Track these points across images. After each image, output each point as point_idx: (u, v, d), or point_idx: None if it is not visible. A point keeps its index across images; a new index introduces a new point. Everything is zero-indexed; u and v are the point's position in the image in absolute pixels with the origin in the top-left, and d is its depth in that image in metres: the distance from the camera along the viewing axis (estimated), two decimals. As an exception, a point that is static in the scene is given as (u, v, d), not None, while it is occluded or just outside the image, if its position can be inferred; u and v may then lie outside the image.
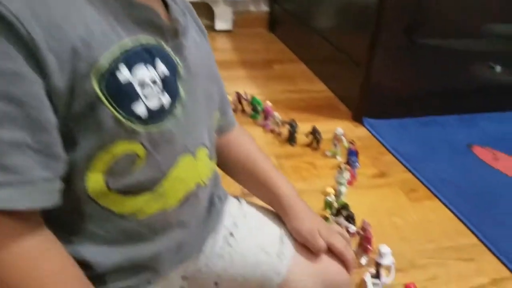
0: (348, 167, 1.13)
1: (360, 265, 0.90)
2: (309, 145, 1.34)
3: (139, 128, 0.46)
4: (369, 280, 0.82)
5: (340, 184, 1.04)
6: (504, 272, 0.93)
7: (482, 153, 1.38)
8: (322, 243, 0.67)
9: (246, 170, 0.71)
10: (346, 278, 0.69)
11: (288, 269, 0.65)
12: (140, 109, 0.46)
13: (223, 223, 0.67)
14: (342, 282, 0.68)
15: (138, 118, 0.45)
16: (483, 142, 1.44)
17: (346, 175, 1.07)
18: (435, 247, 0.98)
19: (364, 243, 0.89)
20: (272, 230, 0.69)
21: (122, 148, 0.46)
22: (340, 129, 1.27)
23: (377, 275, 0.83)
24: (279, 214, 0.71)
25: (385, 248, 0.82)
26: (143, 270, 0.55)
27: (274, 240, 0.68)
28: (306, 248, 0.68)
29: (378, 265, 0.82)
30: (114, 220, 0.50)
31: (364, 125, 1.51)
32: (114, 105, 0.44)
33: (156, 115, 0.47)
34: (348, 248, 0.70)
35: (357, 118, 1.55)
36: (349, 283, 0.70)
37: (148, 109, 0.46)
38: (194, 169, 0.56)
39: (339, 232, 0.73)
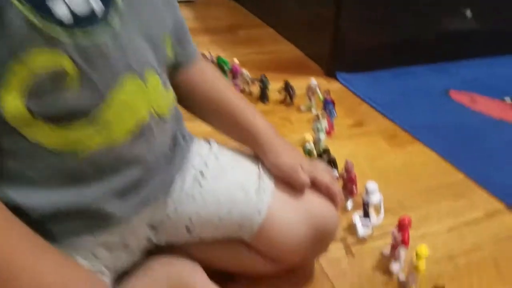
0: (325, 115, 1.06)
1: (346, 210, 0.84)
2: (282, 101, 1.26)
3: (61, 35, 0.37)
4: (358, 220, 0.75)
5: (318, 130, 0.97)
6: (497, 204, 0.88)
7: (459, 96, 1.34)
8: (305, 177, 0.60)
9: (215, 108, 0.63)
10: (333, 214, 0.62)
11: (269, 206, 0.58)
12: (60, 9, 0.36)
13: (191, 163, 0.59)
14: (330, 218, 0.62)
15: (59, 22, 0.36)
16: (459, 87, 1.41)
17: (324, 122, 1.00)
18: (423, 187, 0.93)
19: (349, 184, 0.83)
20: (248, 167, 0.62)
21: (42, 60, 0.37)
22: (314, 80, 1.19)
23: (366, 215, 0.77)
24: (255, 151, 0.63)
25: (372, 185, 0.76)
26: (94, 214, 0.45)
27: (251, 177, 0.60)
28: (288, 184, 0.61)
29: (366, 205, 0.76)
30: (47, 157, 0.41)
31: (337, 80, 1.44)
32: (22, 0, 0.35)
33: (84, 20, 0.38)
34: (334, 182, 0.63)
35: (330, 73, 1.48)
36: (337, 220, 0.63)
37: (73, 13, 0.37)
38: (144, 95, 0.47)
39: (323, 167, 0.66)
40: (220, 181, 0.58)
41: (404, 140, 1.12)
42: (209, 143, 0.64)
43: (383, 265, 0.72)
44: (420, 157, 1.04)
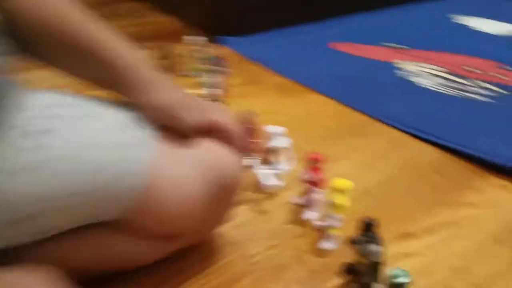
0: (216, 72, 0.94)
1: (250, 167, 0.73)
2: (166, 69, 1.12)
3: None
4: (264, 172, 0.65)
5: (207, 86, 0.85)
6: (399, 135, 0.86)
7: (345, 47, 1.33)
8: (193, 118, 0.47)
9: (59, 39, 0.46)
10: (235, 163, 0.50)
11: (151, 163, 0.44)
12: None
13: (23, 119, 0.41)
14: (231, 168, 0.49)
15: None
16: (343, 39, 1.40)
17: (214, 78, 0.88)
18: (327, 132, 0.87)
19: (250, 136, 0.72)
20: (115, 116, 0.46)
21: None
22: (197, 38, 1.07)
23: (271, 165, 0.67)
24: (124, 92, 0.47)
25: (274, 128, 0.66)
26: None
27: (120, 128, 0.45)
28: (174, 131, 0.47)
29: (270, 151, 0.66)
30: None
31: (222, 44, 1.34)
32: None
33: None
34: (233, 123, 0.51)
35: (214, 39, 1.37)
36: (239, 169, 0.51)
37: None
38: None
39: (218, 106, 0.54)
40: (74, 140, 0.42)
41: (300, 92, 1.05)
42: (55, 93, 0.47)
43: (299, 215, 0.63)
44: (318, 106, 0.99)
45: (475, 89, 1.04)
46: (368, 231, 0.51)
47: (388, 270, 0.43)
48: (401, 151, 0.80)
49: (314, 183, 0.60)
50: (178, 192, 0.45)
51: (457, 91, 1.03)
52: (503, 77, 1.12)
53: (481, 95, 1.01)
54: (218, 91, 0.89)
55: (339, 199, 0.55)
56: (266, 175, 0.65)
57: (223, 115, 0.51)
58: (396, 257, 0.56)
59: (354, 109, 0.96)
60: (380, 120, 0.90)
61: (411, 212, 0.64)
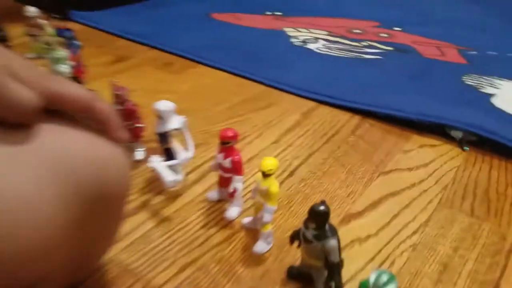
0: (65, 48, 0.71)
1: (139, 162, 0.55)
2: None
3: None
4: (160, 165, 0.47)
5: (55, 62, 0.63)
6: (307, 103, 0.74)
7: (223, 17, 1.20)
8: (28, 91, 0.28)
9: None
10: (115, 155, 0.31)
11: None
12: None
13: None
14: (111, 162, 0.30)
15: None
16: (220, 9, 1.27)
17: (62, 52, 0.65)
18: (227, 108, 0.71)
19: (130, 121, 0.53)
20: None
21: None
22: (33, 10, 0.81)
23: (169, 155, 0.49)
24: None
25: (164, 104, 0.48)
26: None
27: None
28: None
29: (162, 136, 0.48)
30: None
31: (75, 21, 1.09)
32: None
33: None
34: (94, 97, 0.33)
35: (64, 15, 1.10)
36: (123, 163, 0.33)
37: None
38: None
39: (61, 77, 0.34)
40: None
41: (183, 65, 0.88)
42: None
43: (217, 216, 0.47)
44: (209, 79, 0.83)
45: (365, 49, 1.00)
46: (318, 221, 0.37)
47: (372, 275, 0.30)
48: (314, 121, 0.69)
49: (233, 170, 0.45)
50: (12, 218, 0.26)
51: (349, 52, 0.97)
52: (385, 35, 1.11)
53: (370, 54, 0.97)
54: (71, 70, 0.67)
55: (273, 185, 0.40)
56: (162, 169, 0.47)
57: (82, 89, 0.32)
58: (348, 246, 0.44)
59: (252, 80, 0.82)
60: (282, 90, 0.79)
61: (347, 187, 0.53)
